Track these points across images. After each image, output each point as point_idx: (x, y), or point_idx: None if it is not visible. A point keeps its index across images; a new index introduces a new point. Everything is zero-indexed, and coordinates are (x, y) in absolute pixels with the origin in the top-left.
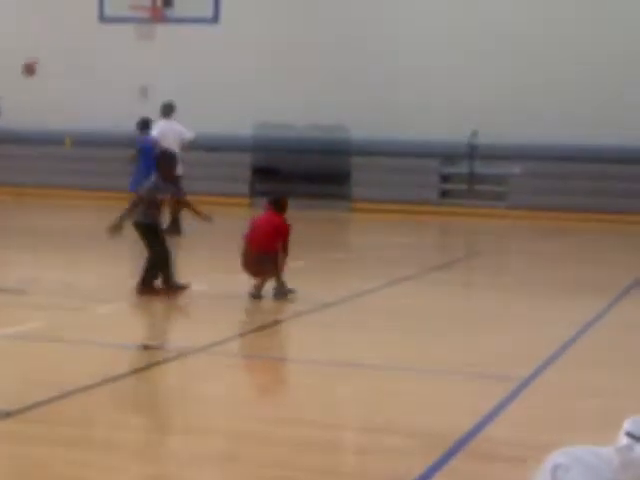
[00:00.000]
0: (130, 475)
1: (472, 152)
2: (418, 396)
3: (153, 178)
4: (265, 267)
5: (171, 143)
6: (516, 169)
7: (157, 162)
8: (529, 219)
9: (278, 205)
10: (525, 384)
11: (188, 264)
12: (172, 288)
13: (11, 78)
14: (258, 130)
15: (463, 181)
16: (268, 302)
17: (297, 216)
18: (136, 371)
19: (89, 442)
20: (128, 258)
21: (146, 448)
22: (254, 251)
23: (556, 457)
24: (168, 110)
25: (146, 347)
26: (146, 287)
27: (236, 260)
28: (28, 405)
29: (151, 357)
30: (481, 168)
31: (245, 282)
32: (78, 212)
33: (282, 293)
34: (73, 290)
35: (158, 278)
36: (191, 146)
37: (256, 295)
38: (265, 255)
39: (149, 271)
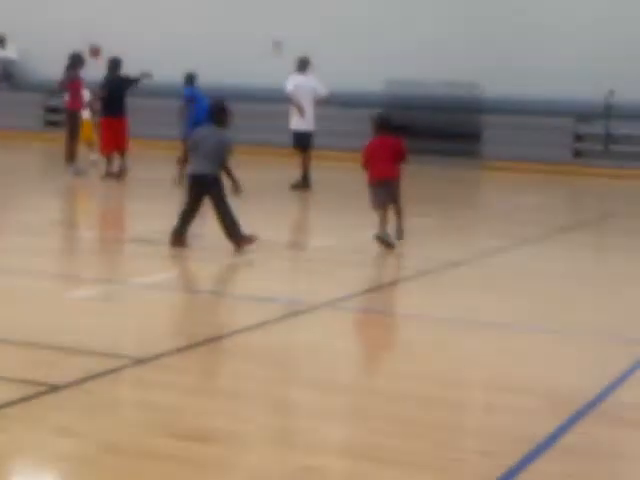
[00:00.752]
0: (257, 426)
1: (608, 111)
2: (546, 356)
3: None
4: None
5: (304, 98)
6: None
7: (211, 112)
8: None
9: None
10: None
11: (317, 218)
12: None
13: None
14: (389, 87)
15: (598, 141)
16: (396, 259)
17: (427, 173)
18: (263, 324)
19: (217, 392)
20: (254, 210)
21: (273, 400)
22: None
23: None
24: (303, 65)
25: (273, 300)
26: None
27: (364, 216)
28: (158, 353)
29: (277, 310)
30: (617, 128)
31: (370, 238)
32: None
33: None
34: (203, 241)
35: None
36: (325, 102)
37: (383, 237)
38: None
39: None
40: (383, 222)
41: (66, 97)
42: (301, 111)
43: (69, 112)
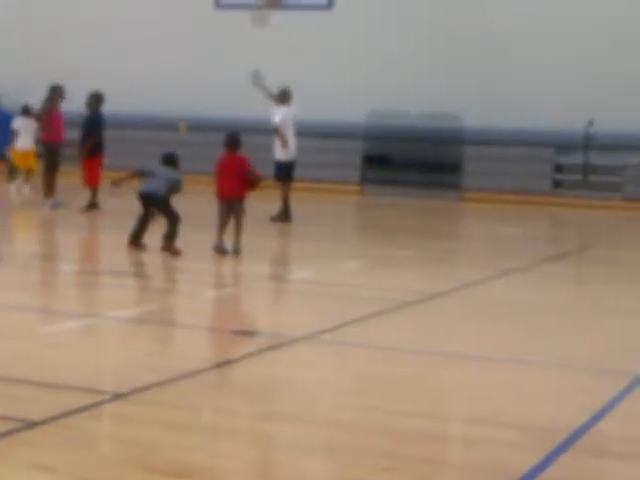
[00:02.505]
0: (236, 460)
1: (588, 142)
2: (527, 389)
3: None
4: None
5: (289, 129)
6: (633, 160)
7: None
8: None
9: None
10: (638, 379)
11: (296, 250)
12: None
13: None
14: (370, 118)
15: (578, 171)
16: (377, 291)
17: (407, 205)
18: (243, 357)
19: (196, 426)
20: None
21: (253, 434)
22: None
23: None
24: (286, 96)
25: (254, 334)
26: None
27: (344, 247)
28: (138, 387)
29: (258, 343)
30: (596, 158)
31: (351, 270)
32: (193, 197)
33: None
34: (184, 274)
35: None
36: (303, 132)
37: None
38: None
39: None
40: (220, 233)
41: (43, 130)
42: (285, 144)
43: (46, 145)
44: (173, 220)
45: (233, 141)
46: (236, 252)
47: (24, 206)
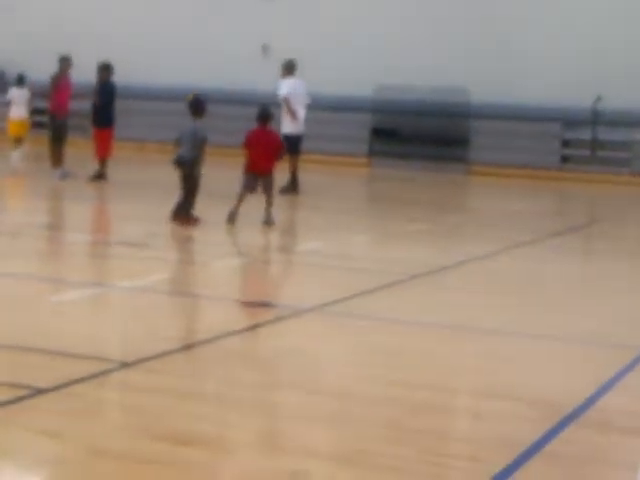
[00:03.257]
0: (243, 430)
1: (595, 117)
2: (533, 362)
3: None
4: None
5: (297, 101)
6: None
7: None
8: None
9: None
10: None
11: (305, 222)
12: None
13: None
14: (378, 91)
15: (585, 147)
16: (384, 263)
17: (415, 178)
18: (250, 328)
19: (203, 395)
20: (249, 213)
21: (259, 404)
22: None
23: None
24: (292, 67)
25: (261, 304)
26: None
27: (353, 220)
28: (145, 357)
29: (265, 314)
30: (604, 134)
31: (359, 242)
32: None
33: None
34: (194, 244)
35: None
36: (312, 105)
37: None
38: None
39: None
40: (239, 203)
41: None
42: (293, 115)
43: (50, 115)
44: (189, 188)
45: (265, 115)
46: (269, 223)
47: (17, 174)
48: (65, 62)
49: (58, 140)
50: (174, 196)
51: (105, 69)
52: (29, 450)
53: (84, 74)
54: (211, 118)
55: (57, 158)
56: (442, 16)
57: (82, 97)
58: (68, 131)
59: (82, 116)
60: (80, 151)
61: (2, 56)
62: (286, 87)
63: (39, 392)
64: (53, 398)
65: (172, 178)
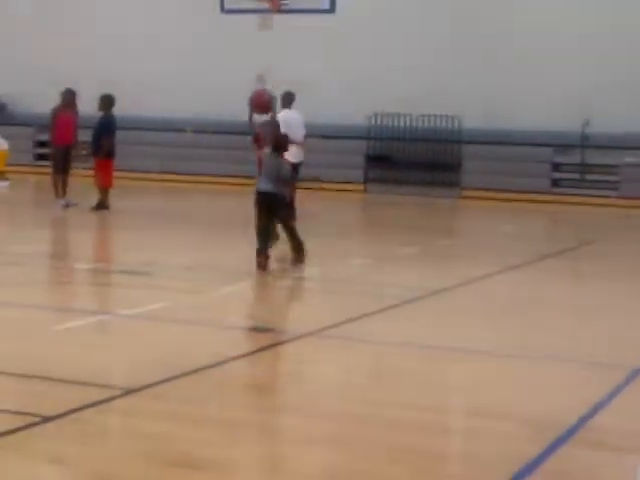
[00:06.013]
0: (245, 453)
1: (584, 141)
2: (527, 382)
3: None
4: None
5: (296, 131)
6: (629, 158)
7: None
8: None
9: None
10: (637, 373)
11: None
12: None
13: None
14: (373, 119)
15: (575, 170)
16: (381, 287)
17: (409, 202)
18: (251, 353)
19: (206, 420)
20: (246, 242)
21: (260, 428)
22: None
23: None
24: (291, 100)
25: (261, 330)
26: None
27: (349, 244)
28: (148, 383)
29: (265, 339)
30: (593, 157)
31: (355, 267)
32: (200, 196)
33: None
34: (195, 272)
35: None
36: (308, 133)
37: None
38: None
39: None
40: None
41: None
42: (296, 143)
43: (54, 147)
44: (284, 225)
45: (281, 143)
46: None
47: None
48: (68, 95)
49: (60, 171)
50: (174, 225)
51: (107, 101)
52: (35, 477)
53: (84, 106)
54: (212, 149)
55: (57, 188)
56: (433, 47)
57: (84, 129)
58: (71, 162)
59: (84, 148)
60: (82, 181)
61: (4, 89)
62: (282, 119)
63: (44, 419)
64: (58, 425)
65: (171, 206)
